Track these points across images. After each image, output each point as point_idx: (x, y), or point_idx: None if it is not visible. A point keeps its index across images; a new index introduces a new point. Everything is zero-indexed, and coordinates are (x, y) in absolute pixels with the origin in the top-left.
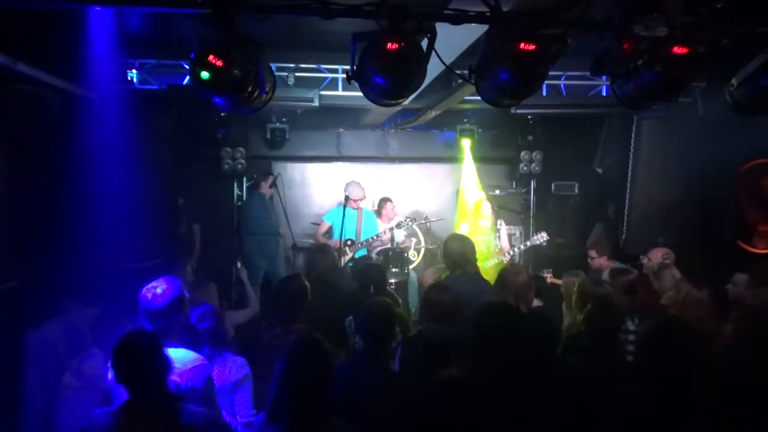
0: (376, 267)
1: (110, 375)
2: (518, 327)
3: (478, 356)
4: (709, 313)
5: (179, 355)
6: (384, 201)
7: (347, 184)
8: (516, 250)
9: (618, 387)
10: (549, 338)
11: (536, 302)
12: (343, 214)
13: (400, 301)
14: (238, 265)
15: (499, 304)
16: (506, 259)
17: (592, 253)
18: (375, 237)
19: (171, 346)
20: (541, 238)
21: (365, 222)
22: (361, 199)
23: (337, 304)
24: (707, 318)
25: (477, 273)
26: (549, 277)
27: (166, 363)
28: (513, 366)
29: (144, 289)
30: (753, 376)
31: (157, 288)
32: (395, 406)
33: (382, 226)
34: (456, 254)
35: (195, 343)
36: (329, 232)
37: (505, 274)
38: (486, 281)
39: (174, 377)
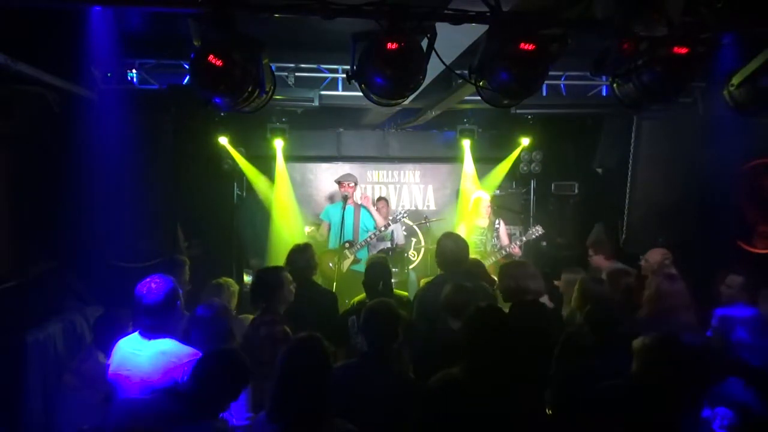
0: (382, 264)
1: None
2: (511, 329)
3: (472, 357)
4: (683, 302)
5: (175, 349)
6: (378, 200)
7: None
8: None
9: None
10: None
11: (547, 302)
12: (343, 215)
13: (410, 298)
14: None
15: (488, 307)
16: (515, 251)
17: (591, 251)
18: (373, 235)
19: (167, 340)
20: (537, 231)
21: (363, 220)
22: (351, 184)
23: (317, 302)
24: (683, 306)
25: (467, 273)
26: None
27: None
28: (510, 366)
29: (138, 287)
30: None
31: (151, 283)
32: (399, 407)
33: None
34: (449, 254)
35: (190, 339)
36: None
37: (513, 268)
38: (477, 281)
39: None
